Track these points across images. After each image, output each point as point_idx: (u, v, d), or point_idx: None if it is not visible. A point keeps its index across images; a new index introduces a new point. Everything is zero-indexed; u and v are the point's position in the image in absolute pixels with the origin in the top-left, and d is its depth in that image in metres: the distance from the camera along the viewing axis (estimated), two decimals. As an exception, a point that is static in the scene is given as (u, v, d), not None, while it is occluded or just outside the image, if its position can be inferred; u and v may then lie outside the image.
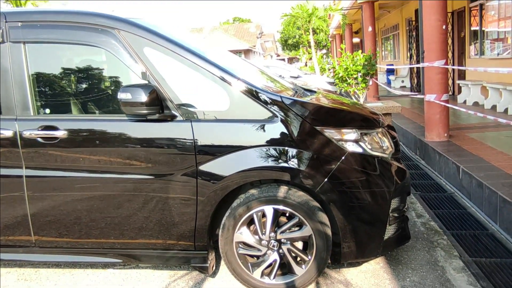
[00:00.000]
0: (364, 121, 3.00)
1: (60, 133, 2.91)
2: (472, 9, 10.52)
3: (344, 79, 5.97)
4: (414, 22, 13.98)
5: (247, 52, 44.31)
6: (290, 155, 2.79)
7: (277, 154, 2.79)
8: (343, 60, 6.04)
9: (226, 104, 2.84)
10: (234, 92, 2.83)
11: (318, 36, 28.64)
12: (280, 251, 2.91)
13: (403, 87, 15.75)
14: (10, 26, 2.98)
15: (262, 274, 2.94)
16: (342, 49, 6.42)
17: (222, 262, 3.38)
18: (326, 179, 2.76)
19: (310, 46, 29.44)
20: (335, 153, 2.79)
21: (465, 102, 9.87)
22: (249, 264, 2.96)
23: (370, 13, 11.61)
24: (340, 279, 3.11)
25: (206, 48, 3.31)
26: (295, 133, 2.81)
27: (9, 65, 2.98)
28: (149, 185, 2.89)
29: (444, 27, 5.82)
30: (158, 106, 2.78)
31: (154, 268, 3.41)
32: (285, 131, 2.80)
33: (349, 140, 2.84)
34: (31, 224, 3.07)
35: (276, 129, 2.79)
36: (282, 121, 2.80)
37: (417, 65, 6.63)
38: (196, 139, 2.81)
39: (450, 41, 11.57)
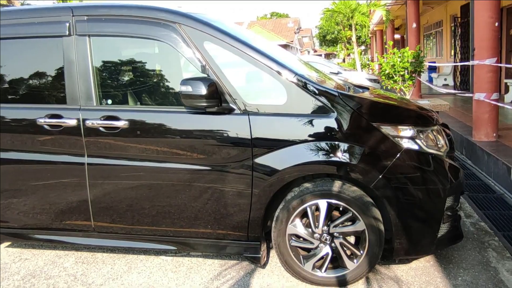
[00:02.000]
0: (420, 118, 2.98)
1: (121, 123, 3.03)
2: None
3: (390, 76, 5.90)
4: (459, 19, 13.60)
5: (284, 47, 44.15)
6: (346, 150, 2.81)
7: (332, 149, 2.82)
8: (390, 57, 5.96)
9: (283, 99, 2.89)
10: (291, 87, 2.88)
11: (359, 32, 28.26)
12: (333, 244, 2.95)
13: (445, 85, 15.36)
14: (76, 20, 3.12)
15: (313, 267, 2.98)
16: (389, 45, 6.34)
17: (272, 254, 3.44)
18: (381, 175, 2.77)
19: (349, 42, 29.06)
20: (391, 149, 2.80)
21: (512, 102, 9.56)
22: (300, 256, 3.01)
23: (415, 9, 11.37)
24: (390, 275, 3.11)
25: (262, 43, 3.36)
26: (352, 128, 2.83)
27: (74, 57, 3.12)
28: (206, 176, 2.97)
29: (496, 24, 5.66)
30: (217, 99, 2.86)
31: (205, 257, 3.50)
32: (342, 126, 2.82)
33: (405, 137, 2.83)
34: (91, 210, 3.22)
35: (332, 124, 2.82)
36: (338, 116, 2.82)
37: (467, 63, 6.48)
38: (253, 132, 2.87)
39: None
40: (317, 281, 2.99)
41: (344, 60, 39.98)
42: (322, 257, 2.97)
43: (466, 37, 13.00)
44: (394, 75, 5.96)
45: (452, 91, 11.65)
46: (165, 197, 3.07)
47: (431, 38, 20.48)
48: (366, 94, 3.24)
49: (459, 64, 11.42)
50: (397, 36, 27.83)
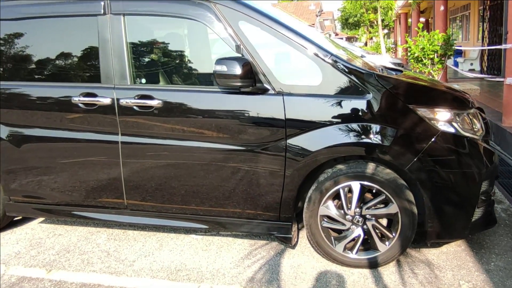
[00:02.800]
0: (457, 101, 2.93)
1: (155, 102, 3.05)
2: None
3: (419, 59, 5.80)
4: (489, 2, 13.21)
5: (304, 30, 43.49)
6: (381, 132, 2.78)
7: (367, 131, 2.79)
8: (419, 40, 5.84)
9: (318, 79, 2.87)
10: (327, 68, 2.85)
11: (384, 15, 27.71)
12: (364, 226, 2.94)
13: (471, 70, 15.02)
14: (111, -1, 3.13)
15: (345, 248, 2.99)
16: (419, 28, 6.21)
17: (301, 235, 3.45)
18: (416, 158, 2.74)
19: (371, 26, 28.53)
20: (427, 132, 2.76)
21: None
22: (331, 237, 3.02)
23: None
24: (421, 258, 3.10)
25: (296, 23, 3.33)
26: (387, 110, 2.80)
27: (109, 36, 3.14)
28: (238, 156, 2.98)
29: (532, 6, 5.48)
30: (252, 79, 2.85)
31: (235, 236, 3.54)
32: (377, 107, 2.79)
33: (441, 119, 2.79)
34: (124, 188, 3.27)
35: (367, 106, 2.79)
36: (374, 97, 2.79)
37: (499, 47, 6.31)
38: (287, 113, 2.86)
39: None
40: (348, 263, 3.00)
41: (366, 44, 39.35)
42: (353, 239, 2.98)
43: (496, 21, 12.65)
44: (423, 58, 5.85)
45: (480, 75, 11.39)
46: (197, 176, 3.10)
47: (457, 22, 19.98)
48: (401, 76, 3.19)
49: (487, 48, 11.14)
50: (421, 20, 27.12)
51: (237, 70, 2.78)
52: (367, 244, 3.00)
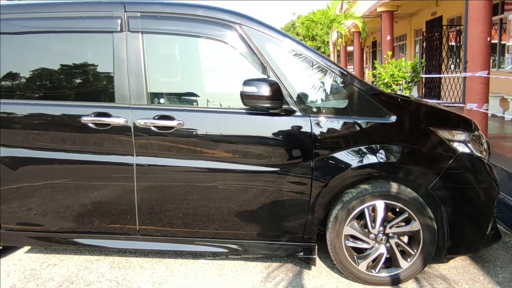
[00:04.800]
0: (467, 124, 3.14)
1: (176, 123, 2.97)
2: (494, 22, 10.82)
3: (389, 84, 6.13)
4: (425, 33, 14.29)
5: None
6: (406, 153, 2.91)
7: (393, 151, 2.91)
8: (388, 66, 6.19)
9: (343, 102, 2.95)
10: (352, 90, 2.95)
11: (321, 43, 28.99)
12: (387, 244, 3.03)
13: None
14: (129, 16, 3.04)
15: (367, 267, 3.05)
16: (387, 55, 6.59)
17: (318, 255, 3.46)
18: (438, 177, 2.89)
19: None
20: (447, 152, 2.92)
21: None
22: (354, 256, 3.06)
23: (389, 22, 11.86)
24: (435, 273, 3.23)
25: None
26: (411, 132, 2.93)
27: (125, 54, 3.03)
28: (263, 177, 2.97)
29: (488, 38, 6.03)
30: (280, 100, 2.87)
31: (246, 259, 3.48)
32: (401, 129, 2.92)
33: (459, 140, 2.97)
34: (137, 212, 3.12)
35: (391, 128, 2.91)
36: (397, 120, 2.92)
37: (458, 75, 6.84)
38: (314, 134, 2.90)
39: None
40: (372, 281, 3.05)
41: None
42: (376, 257, 3.04)
43: (431, 51, 13.70)
44: (392, 84, 6.19)
45: (436, 100, 12.20)
46: (219, 199, 3.03)
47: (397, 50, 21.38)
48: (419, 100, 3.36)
49: (443, 76, 11.90)
50: (350, 48, 28.86)
51: (267, 91, 2.79)
52: (388, 262, 3.08)
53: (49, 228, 3.24)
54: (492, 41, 10.63)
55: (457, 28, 12.49)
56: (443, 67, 12.70)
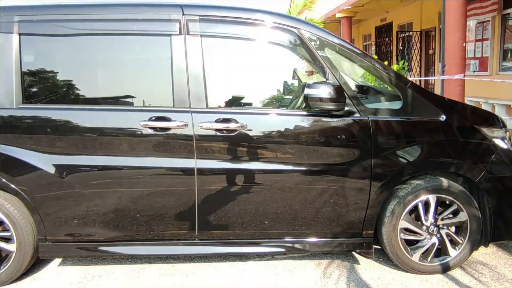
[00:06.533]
0: (499, 121, 3.44)
1: (238, 126, 3.00)
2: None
3: (376, 87, 6.44)
4: (373, 38, 15.07)
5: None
6: (456, 149, 3.15)
7: (445, 148, 3.14)
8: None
9: (398, 103, 3.14)
10: (407, 92, 3.14)
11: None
12: (438, 235, 3.24)
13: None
14: (188, 19, 3.03)
15: (420, 257, 3.24)
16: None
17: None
18: (484, 170, 3.15)
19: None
20: (490, 148, 3.20)
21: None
22: (408, 248, 3.25)
23: (347, 27, 12.38)
24: (472, 260, 3.50)
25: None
26: (459, 129, 3.18)
27: (184, 57, 3.01)
28: (326, 177, 3.08)
29: (464, 44, 6.55)
30: (343, 102, 3.00)
31: (292, 259, 3.55)
32: (450, 128, 3.16)
33: (498, 137, 3.27)
34: (197, 216, 3.10)
35: (443, 126, 3.14)
36: (447, 119, 3.15)
37: (436, 78, 7.30)
38: (373, 134, 3.06)
39: (418, 57, 12.70)
40: (424, 270, 3.26)
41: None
42: (427, 248, 3.25)
43: (380, 55, 14.48)
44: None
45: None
46: (281, 200, 3.10)
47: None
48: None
49: (423, 78, 12.51)
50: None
51: (331, 93, 2.91)
52: (437, 252, 3.30)
53: (102, 238, 3.13)
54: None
55: (408, 33, 13.35)
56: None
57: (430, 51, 12.60)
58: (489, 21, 9.51)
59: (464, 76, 6.58)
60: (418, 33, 12.70)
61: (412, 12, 12.87)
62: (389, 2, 12.44)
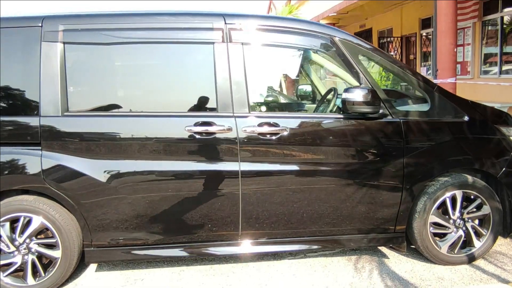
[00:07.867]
0: (512, 120, 3.72)
1: (280, 129, 3.14)
2: (428, 35, 12.04)
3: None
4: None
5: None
6: (479, 147, 3.40)
7: (470, 146, 3.38)
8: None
9: (426, 105, 3.36)
10: (434, 95, 3.37)
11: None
12: (463, 228, 3.47)
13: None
14: (230, 28, 3.16)
15: (448, 249, 3.46)
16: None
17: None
18: (505, 166, 3.41)
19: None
20: (509, 145, 3.46)
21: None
22: (436, 241, 3.46)
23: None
24: (493, 251, 3.74)
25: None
26: (481, 129, 3.43)
27: (227, 64, 3.14)
28: (362, 175, 3.26)
29: (455, 49, 6.90)
30: (378, 105, 3.19)
31: (323, 256, 3.71)
32: (473, 127, 3.41)
33: (513, 135, 3.53)
34: (241, 218, 3.21)
35: (467, 126, 3.39)
36: (470, 119, 3.39)
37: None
38: (404, 134, 3.26)
39: (399, 62, 13.15)
40: (452, 261, 3.47)
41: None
42: (454, 240, 3.47)
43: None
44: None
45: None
46: (321, 199, 3.25)
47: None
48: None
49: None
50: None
51: (367, 97, 3.10)
52: (463, 243, 3.52)
53: (147, 241, 3.20)
54: (424, 50, 11.91)
55: (388, 39, 13.81)
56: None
57: (411, 56, 13.09)
58: (470, 27, 9.99)
59: (455, 80, 6.93)
60: (399, 38, 13.18)
61: (391, 19, 13.35)
62: (373, 9, 12.87)
